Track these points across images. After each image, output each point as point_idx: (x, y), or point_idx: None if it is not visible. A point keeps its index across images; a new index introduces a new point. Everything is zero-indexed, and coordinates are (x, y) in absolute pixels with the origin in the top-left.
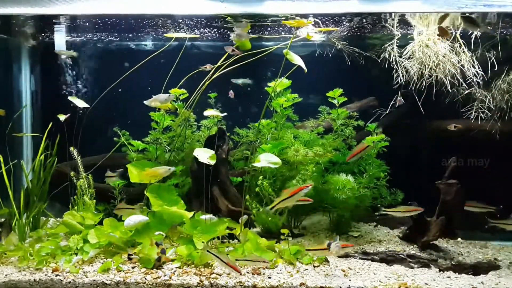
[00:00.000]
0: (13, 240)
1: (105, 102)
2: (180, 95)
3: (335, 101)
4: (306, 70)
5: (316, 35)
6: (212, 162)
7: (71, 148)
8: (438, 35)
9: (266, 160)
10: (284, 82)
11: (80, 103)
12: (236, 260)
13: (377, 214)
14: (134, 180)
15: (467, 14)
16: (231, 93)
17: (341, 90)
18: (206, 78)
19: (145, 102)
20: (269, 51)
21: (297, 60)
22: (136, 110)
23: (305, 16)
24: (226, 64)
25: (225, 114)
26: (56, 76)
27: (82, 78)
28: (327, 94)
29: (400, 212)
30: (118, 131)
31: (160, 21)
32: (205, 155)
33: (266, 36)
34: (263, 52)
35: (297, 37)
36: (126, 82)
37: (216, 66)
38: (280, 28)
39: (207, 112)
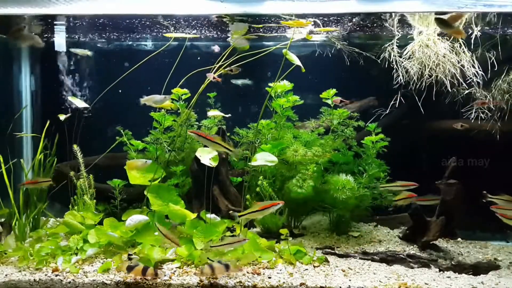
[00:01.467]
0: (10, 243)
1: (105, 102)
2: (182, 95)
3: (329, 101)
4: (304, 69)
5: (315, 35)
6: (214, 164)
7: (74, 146)
8: (450, 35)
9: (262, 158)
10: (286, 85)
11: (80, 103)
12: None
13: None
14: (134, 182)
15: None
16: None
17: (334, 91)
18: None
19: (141, 100)
20: (267, 51)
21: (296, 60)
22: (137, 110)
23: (305, 16)
24: (226, 64)
25: (229, 115)
26: (56, 76)
27: (83, 78)
28: (321, 96)
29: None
30: (121, 131)
31: (159, 21)
32: (207, 157)
33: (265, 35)
34: (262, 53)
35: (297, 37)
36: (128, 82)
37: (216, 65)
38: (280, 28)
39: (211, 113)
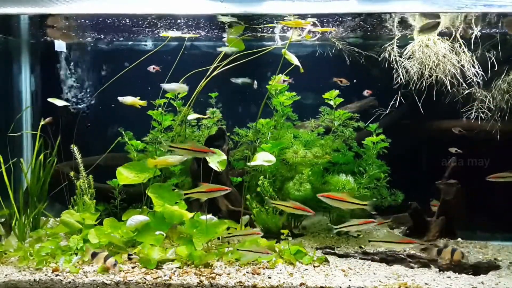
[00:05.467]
0: (12, 243)
1: (104, 102)
2: (179, 93)
3: (331, 102)
4: (302, 70)
5: (314, 35)
6: (221, 168)
7: (72, 146)
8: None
9: (261, 158)
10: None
11: (60, 103)
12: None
13: None
14: (122, 182)
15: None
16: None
17: (337, 92)
18: (206, 76)
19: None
20: (266, 51)
21: (295, 60)
22: (135, 109)
23: (305, 16)
24: (224, 64)
25: (208, 117)
26: (56, 76)
27: (82, 77)
28: (324, 96)
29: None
30: (123, 131)
31: (160, 20)
32: (215, 160)
33: (264, 35)
34: (259, 53)
35: (295, 38)
36: (128, 82)
37: (214, 65)
38: (280, 28)
39: (191, 116)
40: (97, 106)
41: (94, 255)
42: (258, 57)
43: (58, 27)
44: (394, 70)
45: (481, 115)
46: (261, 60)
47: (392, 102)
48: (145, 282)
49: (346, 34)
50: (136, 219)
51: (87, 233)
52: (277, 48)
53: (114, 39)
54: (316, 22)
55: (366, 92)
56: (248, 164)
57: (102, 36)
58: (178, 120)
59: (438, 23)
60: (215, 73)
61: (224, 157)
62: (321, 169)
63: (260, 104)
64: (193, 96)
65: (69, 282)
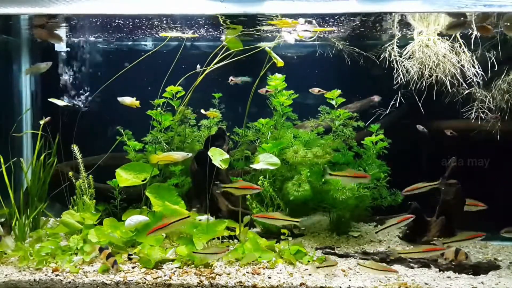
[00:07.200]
0: (8, 244)
1: (104, 102)
2: (176, 92)
3: (333, 102)
4: (282, 63)
5: (306, 33)
6: (225, 166)
7: (73, 146)
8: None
9: (264, 161)
10: (278, 76)
11: (60, 103)
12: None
13: None
14: (122, 184)
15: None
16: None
17: (339, 91)
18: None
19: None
20: (259, 50)
21: (278, 58)
22: (133, 110)
23: (305, 16)
24: (220, 62)
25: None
26: (56, 76)
27: (82, 77)
28: (326, 95)
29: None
30: (121, 131)
31: (160, 20)
32: (218, 158)
33: (262, 34)
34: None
35: (287, 37)
36: (129, 82)
37: (213, 65)
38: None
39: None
40: (97, 105)
41: (101, 250)
42: (258, 57)
43: (55, 27)
44: (394, 70)
45: (481, 115)
46: (261, 60)
47: (392, 102)
48: (145, 282)
49: (346, 34)
50: (135, 219)
51: (87, 233)
52: (277, 47)
53: (114, 39)
54: (315, 22)
55: (375, 98)
56: (250, 166)
57: (102, 36)
58: (176, 119)
59: (465, 22)
60: (207, 71)
61: (227, 156)
62: (321, 169)
63: (262, 103)
64: (187, 94)
65: (69, 282)
